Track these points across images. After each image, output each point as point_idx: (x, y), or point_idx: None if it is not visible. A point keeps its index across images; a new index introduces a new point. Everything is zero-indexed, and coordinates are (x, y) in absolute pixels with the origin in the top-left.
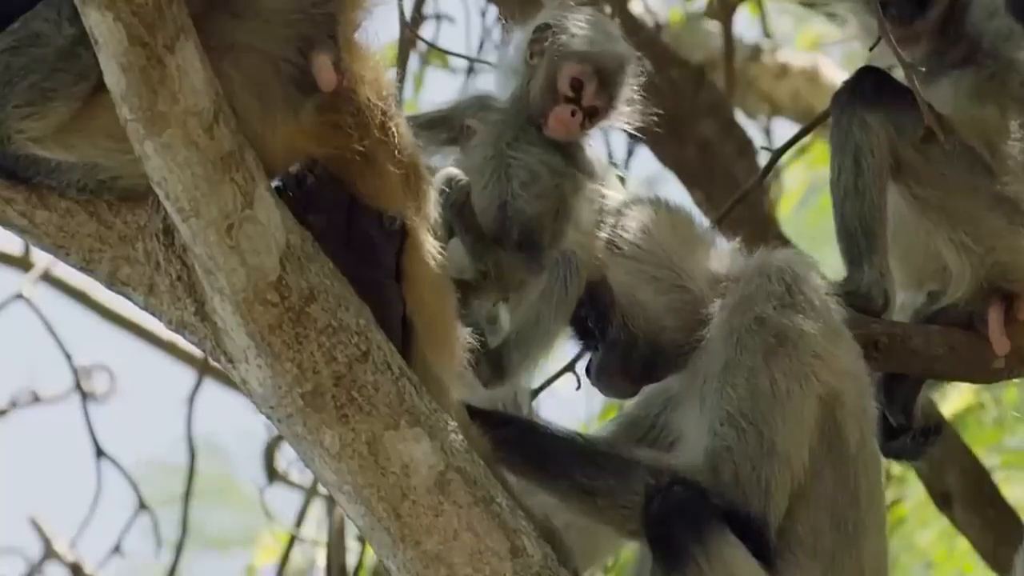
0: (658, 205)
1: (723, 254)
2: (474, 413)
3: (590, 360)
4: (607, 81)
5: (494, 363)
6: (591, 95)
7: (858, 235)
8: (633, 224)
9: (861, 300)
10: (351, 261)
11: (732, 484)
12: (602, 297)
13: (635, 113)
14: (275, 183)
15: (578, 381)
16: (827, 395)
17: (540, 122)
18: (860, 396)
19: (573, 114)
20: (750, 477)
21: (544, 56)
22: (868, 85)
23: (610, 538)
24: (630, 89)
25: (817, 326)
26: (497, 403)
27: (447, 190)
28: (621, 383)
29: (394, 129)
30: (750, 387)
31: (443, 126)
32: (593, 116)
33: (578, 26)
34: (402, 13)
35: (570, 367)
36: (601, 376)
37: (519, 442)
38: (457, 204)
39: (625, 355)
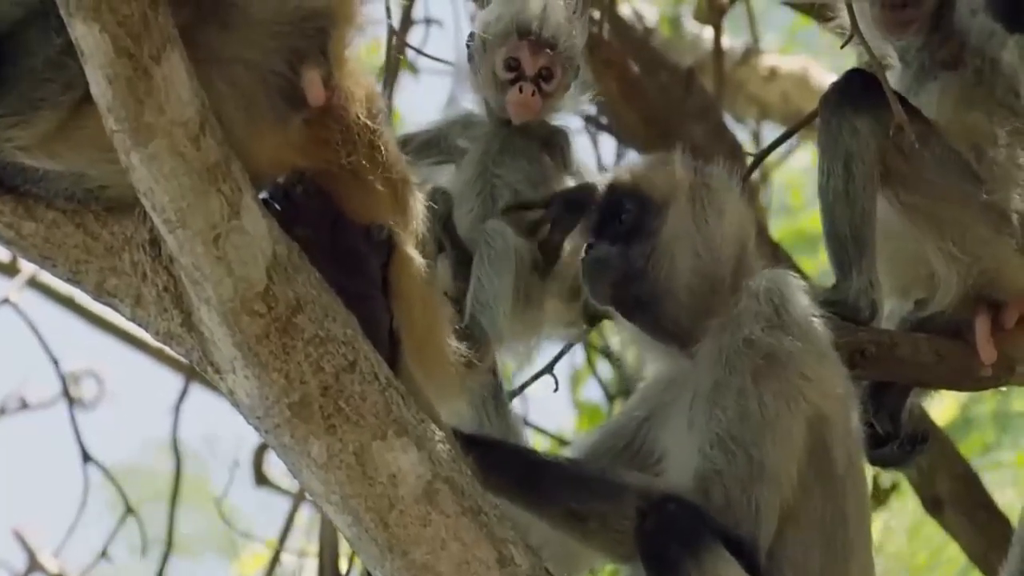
0: (746, 194)
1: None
2: (462, 438)
3: (599, 247)
4: (537, 40)
5: (468, 337)
6: (529, 62)
7: (848, 242)
8: (719, 195)
9: (849, 309)
10: (337, 272)
11: (722, 507)
12: (651, 216)
13: (582, 47)
14: (262, 195)
15: (556, 383)
16: (815, 416)
17: (508, 118)
18: (847, 417)
19: (522, 90)
20: (740, 500)
21: (479, 59)
22: (857, 89)
23: (587, 554)
24: (567, 30)
25: (805, 347)
26: (483, 421)
27: (434, 205)
28: (605, 289)
29: (383, 147)
30: (739, 409)
31: (433, 148)
32: (547, 80)
33: (491, 12)
34: (390, 19)
35: (548, 369)
36: (597, 268)
37: (508, 466)
38: (442, 217)
39: (629, 276)
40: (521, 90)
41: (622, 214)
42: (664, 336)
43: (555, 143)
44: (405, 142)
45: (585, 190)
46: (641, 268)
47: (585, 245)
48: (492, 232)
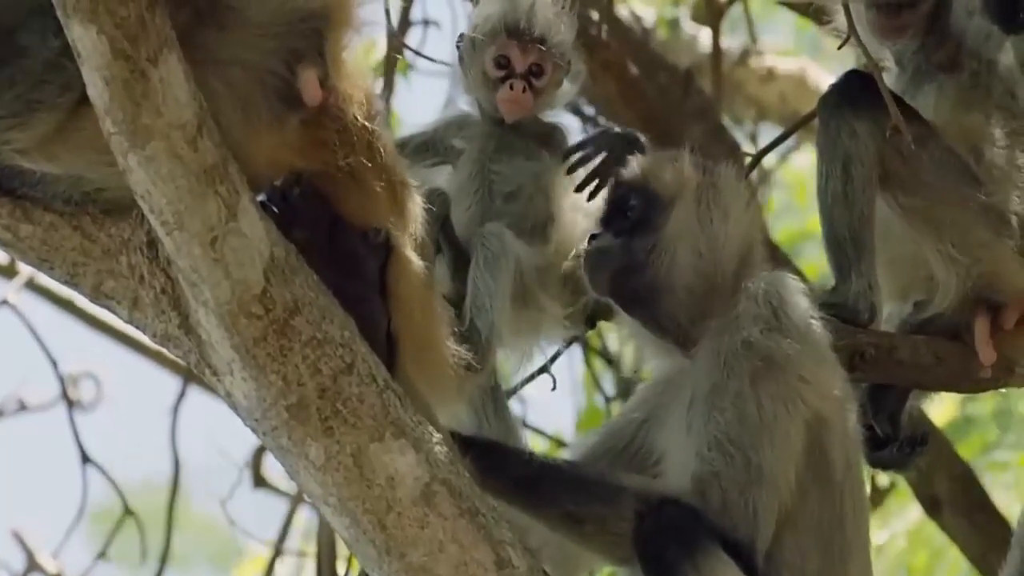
0: (754, 196)
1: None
2: (461, 440)
3: (603, 238)
4: (526, 36)
5: (468, 341)
6: (519, 59)
7: (847, 244)
8: (726, 196)
9: (848, 311)
10: (335, 274)
11: (720, 510)
12: (656, 212)
13: (572, 42)
14: (260, 197)
15: (554, 382)
16: (813, 419)
17: (501, 117)
18: (846, 419)
19: (512, 87)
20: (737, 503)
21: (469, 59)
22: (855, 91)
23: (585, 557)
24: (556, 26)
25: (803, 349)
26: (482, 423)
27: (431, 206)
28: (603, 279)
29: (380, 149)
30: (737, 411)
31: (429, 150)
32: (538, 76)
33: (479, 12)
34: (389, 21)
35: (545, 368)
36: (597, 258)
37: (506, 468)
38: (439, 218)
39: (629, 268)
40: (511, 87)
41: (628, 208)
42: (661, 332)
43: (552, 140)
44: (401, 145)
45: (633, 133)
46: (641, 261)
47: (588, 236)
48: (488, 235)
